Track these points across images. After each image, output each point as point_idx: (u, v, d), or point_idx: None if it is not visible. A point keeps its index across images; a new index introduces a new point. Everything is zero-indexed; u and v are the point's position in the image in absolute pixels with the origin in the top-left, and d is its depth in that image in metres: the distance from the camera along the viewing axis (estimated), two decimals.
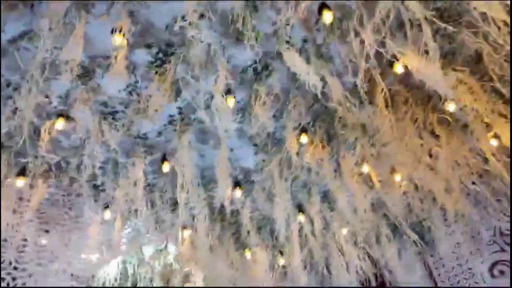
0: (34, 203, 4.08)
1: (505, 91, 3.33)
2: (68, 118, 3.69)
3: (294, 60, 3.15)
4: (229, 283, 5.98)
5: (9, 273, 4.11)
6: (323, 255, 5.48)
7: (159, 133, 4.23)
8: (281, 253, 5.75)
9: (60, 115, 3.62)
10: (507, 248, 5.00)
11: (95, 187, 4.55)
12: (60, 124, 3.56)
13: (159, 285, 6.79)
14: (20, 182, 3.99)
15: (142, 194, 4.25)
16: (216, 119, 3.99)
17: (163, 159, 4.09)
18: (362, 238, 5.29)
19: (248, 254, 5.46)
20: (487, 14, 2.85)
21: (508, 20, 2.80)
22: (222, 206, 5.34)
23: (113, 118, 3.93)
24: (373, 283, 5.48)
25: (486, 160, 4.23)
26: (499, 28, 2.88)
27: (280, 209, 4.57)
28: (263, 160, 4.47)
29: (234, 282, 5.90)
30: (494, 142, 4.10)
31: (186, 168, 4.20)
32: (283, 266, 5.79)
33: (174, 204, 5.03)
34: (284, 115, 4.10)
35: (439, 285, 5.52)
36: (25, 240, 4.28)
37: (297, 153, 4.18)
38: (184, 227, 5.03)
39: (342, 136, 4.15)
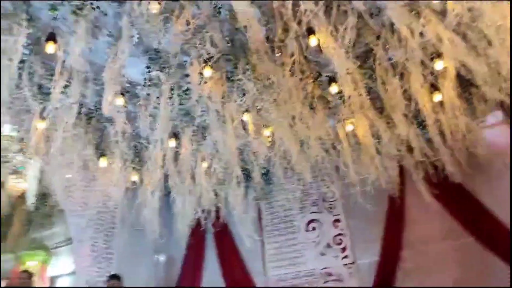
0: None
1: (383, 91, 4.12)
2: None
3: None
4: (69, 186, 5.75)
5: None
6: (176, 181, 5.75)
7: (53, 7, 3.67)
8: (137, 171, 5.79)
9: None
10: (324, 211, 6.25)
11: None
12: None
13: None
14: None
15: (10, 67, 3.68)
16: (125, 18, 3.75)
17: (50, 38, 3.58)
18: (216, 174, 5.76)
19: (103, 162, 5.32)
20: None
21: None
22: (90, 109, 5.10)
23: None
24: (212, 215, 6.09)
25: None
26: None
27: (157, 129, 4.61)
28: (158, 77, 4.35)
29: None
30: (349, 128, 4.99)
31: (72, 57, 3.81)
32: (134, 183, 5.85)
33: (39, 89, 4.50)
34: (193, 40, 4.07)
35: (263, 226, 6.53)
36: None
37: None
38: (43, 118, 4.57)
39: (239, 81, 4.36)
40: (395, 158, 5.29)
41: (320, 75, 4.51)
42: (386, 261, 5.77)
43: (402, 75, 4.37)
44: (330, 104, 4.77)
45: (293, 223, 6.41)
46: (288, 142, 5.02)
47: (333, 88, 4.37)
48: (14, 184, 6.50)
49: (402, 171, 5.57)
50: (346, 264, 6.05)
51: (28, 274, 5.47)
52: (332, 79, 4.39)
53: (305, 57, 4.15)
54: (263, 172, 5.94)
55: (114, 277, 5.19)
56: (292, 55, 3.96)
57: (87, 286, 5.91)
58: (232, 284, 6.63)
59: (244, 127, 4.70)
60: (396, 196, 5.53)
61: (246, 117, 4.71)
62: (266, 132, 5.11)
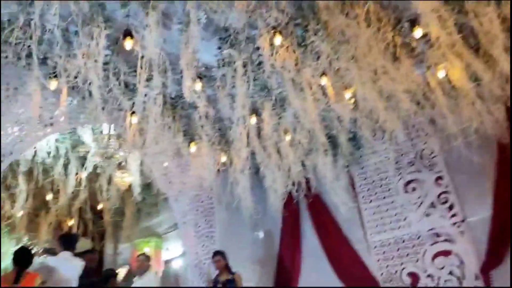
0: None
1: (476, 25, 3.60)
2: None
3: None
4: (166, 174, 6.13)
5: None
6: (263, 157, 5.79)
7: (123, 5, 3.85)
8: (225, 151, 5.96)
9: None
10: (424, 169, 5.81)
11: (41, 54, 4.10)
12: None
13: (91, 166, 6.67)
14: None
15: (96, 69, 3.97)
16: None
17: (127, 34, 3.77)
18: (302, 145, 5.67)
19: (193, 148, 5.56)
20: None
21: None
22: (174, 98, 5.33)
23: None
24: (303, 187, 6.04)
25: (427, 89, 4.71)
26: None
27: (237, 108, 4.65)
28: (230, 55, 4.36)
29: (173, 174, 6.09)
30: (442, 74, 4.50)
31: (149, 50, 3.97)
32: (224, 164, 6.04)
33: (125, 87, 4.81)
34: (258, 11, 3.97)
35: (357, 193, 6.31)
36: None
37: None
38: (132, 112, 4.90)
39: (312, 43, 4.17)
40: (500, 99, 4.67)
41: (400, 20, 4.11)
42: (501, 215, 5.18)
43: (498, 2, 3.79)
44: (415, 51, 4.34)
45: (389, 186, 6.07)
46: (373, 100, 4.72)
47: (417, 32, 3.95)
48: (120, 179, 7.13)
49: (510, 113, 4.91)
50: (455, 223, 5.58)
51: (146, 256, 6.01)
52: (414, 22, 3.97)
53: (380, 3, 3.80)
54: (350, 136, 5.70)
55: (218, 253, 5.45)
56: (365, 3, 3.65)
57: (196, 265, 6.26)
58: (333, 253, 6.55)
59: (324, 92, 4.51)
60: (506, 143, 4.90)
61: (324, 80, 4.51)
62: (348, 93, 4.87)
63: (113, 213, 8.73)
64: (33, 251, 6.28)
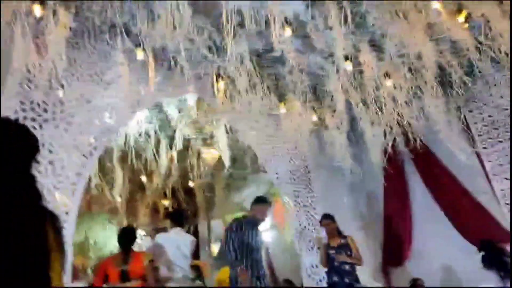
0: (56, 37, 3.47)
1: None
2: None
3: None
4: (260, 139, 5.78)
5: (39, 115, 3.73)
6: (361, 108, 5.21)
7: None
8: (316, 110, 5.49)
9: None
10: None
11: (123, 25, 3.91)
12: None
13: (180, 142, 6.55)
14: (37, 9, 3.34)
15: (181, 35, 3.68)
16: None
17: None
18: (406, 90, 4.97)
19: (282, 108, 5.16)
20: None
21: None
22: (259, 55, 4.93)
23: None
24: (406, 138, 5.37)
25: None
26: None
27: (337, 49, 4.11)
28: None
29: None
30: None
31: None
32: (316, 124, 5.57)
33: (209, 49, 4.49)
34: None
35: (476, 139, 5.46)
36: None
37: None
38: (218, 77, 4.61)
39: None
40: None
41: None
42: None
43: None
44: None
45: None
46: (496, 17, 3.90)
47: None
48: (208, 153, 7.00)
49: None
50: None
51: None
52: None
53: None
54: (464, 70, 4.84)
55: (327, 216, 4.97)
56: None
57: (300, 233, 5.89)
58: (451, 208, 5.83)
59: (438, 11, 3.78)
60: None
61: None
62: (461, 17, 4.08)
63: (203, 190, 8.76)
64: (138, 232, 6.36)
